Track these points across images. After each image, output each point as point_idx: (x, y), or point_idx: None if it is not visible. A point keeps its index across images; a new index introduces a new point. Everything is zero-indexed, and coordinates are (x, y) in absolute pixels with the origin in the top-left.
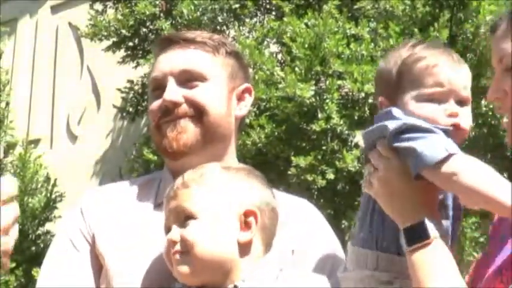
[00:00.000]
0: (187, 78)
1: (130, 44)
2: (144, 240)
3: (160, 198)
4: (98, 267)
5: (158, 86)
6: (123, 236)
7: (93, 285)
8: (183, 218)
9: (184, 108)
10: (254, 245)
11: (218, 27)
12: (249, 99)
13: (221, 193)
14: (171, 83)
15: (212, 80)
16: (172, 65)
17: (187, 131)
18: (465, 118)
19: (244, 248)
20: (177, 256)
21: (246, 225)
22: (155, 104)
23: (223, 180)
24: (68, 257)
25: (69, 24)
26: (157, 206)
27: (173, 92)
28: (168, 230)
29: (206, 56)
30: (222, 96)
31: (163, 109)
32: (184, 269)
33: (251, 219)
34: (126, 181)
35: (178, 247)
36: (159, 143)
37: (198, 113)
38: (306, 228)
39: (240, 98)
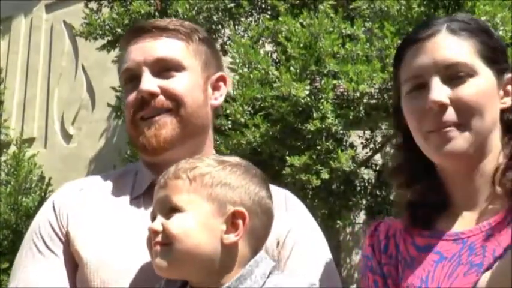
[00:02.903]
0: (162, 68)
1: None
2: (123, 235)
3: (137, 192)
4: (73, 265)
5: (131, 78)
6: (100, 231)
7: (67, 286)
8: (168, 209)
9: (161, 99)
10: (239, 248)
11: (213, 27)
12: (223, 89)
13: (212, 190)
14: (147, 73)
15: (188, 69)
16: (145, 54)
17: (165, 127)
18: None
19: (228, 250)
20: (158, 248)
21: (233, 227)
22: (131, 97)
23: (217, 176)
24: (39, 258)
25: (64, 23)
26: (134, 199)
27: (149, 83)
28: (153, 218)
29: (180, 45)
30: (199, 86)
31: (140, 101)
32: (163, 261)
33: (239, 221)
34: (100, 175)
35: (159, 238)
36: (136, 140)
37: (176, 105)
38: (289, 220)
39: (214, 87)
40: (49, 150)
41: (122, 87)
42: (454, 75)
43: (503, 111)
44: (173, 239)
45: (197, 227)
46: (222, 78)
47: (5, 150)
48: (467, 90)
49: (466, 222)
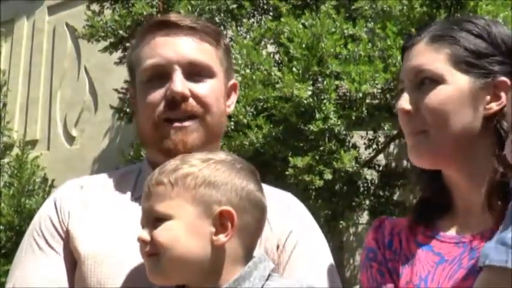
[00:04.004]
0: (194, 72)
1: (128, 44)
2: (121, 234)
3: (139, 191)
4: (72, 262)
5: (159, 74)
6: (99, 230)
7: (66, 282)
8: (154, 218)
9: (191, 104)
10: (231, 247)
11: None
12: (234, 97)
13: (195, 191)
14: (179, 74)
15: (216, 76)
16: (178, 53)
17: (193, 134)
18: None
19: (220, 251)
20: (147, 258)
21: (222, 227)
22: (156, 95)
23: (200, 175)
24: (40, 254)
25: (66, 25)
26: (135, 199)
27: (182, 84)
28: (143, 226)
29: (211, 49)
30: (222, 94)
31: (170, 101)
32: (154, 271)
33: (228, 220)
34: (103, 173)
35: (148, 248)
36: (157, 141)
37: (203, 112)
38: (290, 223)
39: (228, 95)
40: (52, 152)
41: (142, 81)
42: (421, 82)
43: (491, 118)
44: (161, 249)
45: (185, 233)
46: (234, 87)
47: (8, 152)
48: (429, 98)
49: (468, 226)
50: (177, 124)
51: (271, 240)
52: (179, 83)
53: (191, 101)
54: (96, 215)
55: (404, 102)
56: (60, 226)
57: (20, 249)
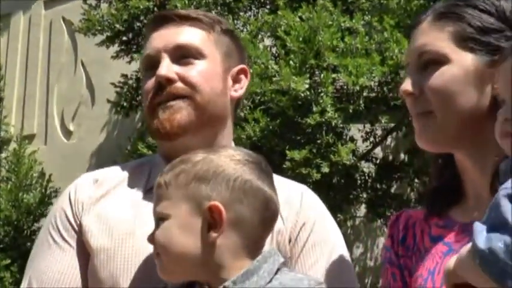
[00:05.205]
0: (181, 55)
1: (124, 38)
2: (134, 227)
3: (151, 183)
4: (85, 255)
5: (151, 64)
6: (111, 222)
7: (79, 275)
8: (156, 220)
9: (177, 86)
10: (228, 240)
11: None
12: (244, 81)
13: (186, 188)
14: (165, 60)
15: (207, 58)
16: (165, 41)
17: (180, 111)
18: None
19: (216, 246)
20: (155, 257)
21: (214, 222)
22: (149, 84)
23: (192, 171)
24: (55, 248)
25: (63, 19)
26: (148, 191)
27: (167, 68)
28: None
29: (201, 33)
30: (217, 75)
31: (157, 86)
32: (159, 269)
33: (217, 215)
34: (117, 165)
35: (154, 248)
36: (151, 125)
37: (192, 92)
38: (303, 216)
39: (235, 79)
40: (49, 146)
41: (141, 75)
42: (425, 64)
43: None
44: (160, 249)
45: (178, 231)
46: (243, 71)
47: (5, 147)
48: (433, 79)
49: (478, 213)
50: (163, 105)
51: (283, 233)
52: (164, 68)
53: (178, 84)
54: (109, 209)
55: (407, 84)
56: (74, 219)
57: (37, 243)
